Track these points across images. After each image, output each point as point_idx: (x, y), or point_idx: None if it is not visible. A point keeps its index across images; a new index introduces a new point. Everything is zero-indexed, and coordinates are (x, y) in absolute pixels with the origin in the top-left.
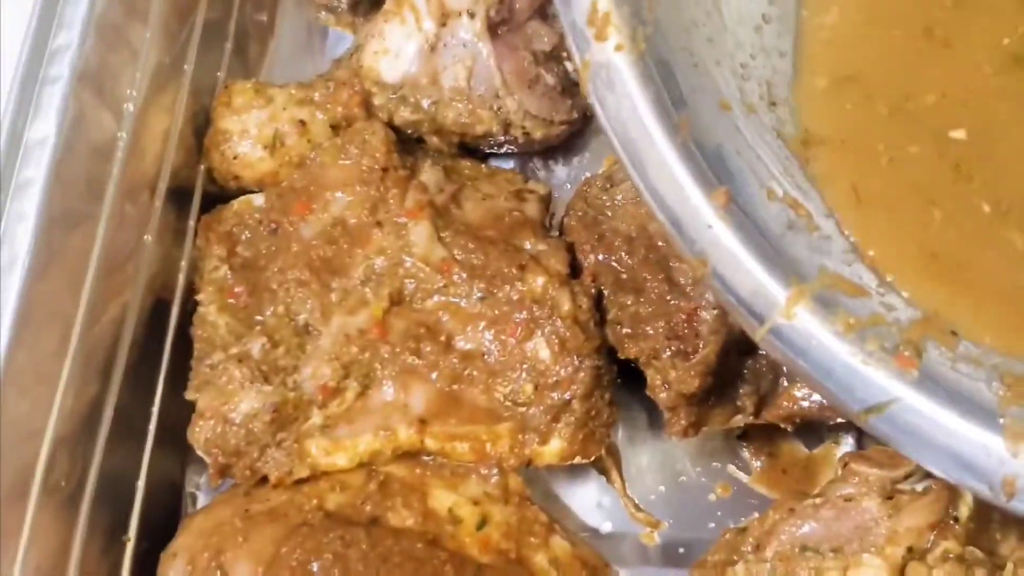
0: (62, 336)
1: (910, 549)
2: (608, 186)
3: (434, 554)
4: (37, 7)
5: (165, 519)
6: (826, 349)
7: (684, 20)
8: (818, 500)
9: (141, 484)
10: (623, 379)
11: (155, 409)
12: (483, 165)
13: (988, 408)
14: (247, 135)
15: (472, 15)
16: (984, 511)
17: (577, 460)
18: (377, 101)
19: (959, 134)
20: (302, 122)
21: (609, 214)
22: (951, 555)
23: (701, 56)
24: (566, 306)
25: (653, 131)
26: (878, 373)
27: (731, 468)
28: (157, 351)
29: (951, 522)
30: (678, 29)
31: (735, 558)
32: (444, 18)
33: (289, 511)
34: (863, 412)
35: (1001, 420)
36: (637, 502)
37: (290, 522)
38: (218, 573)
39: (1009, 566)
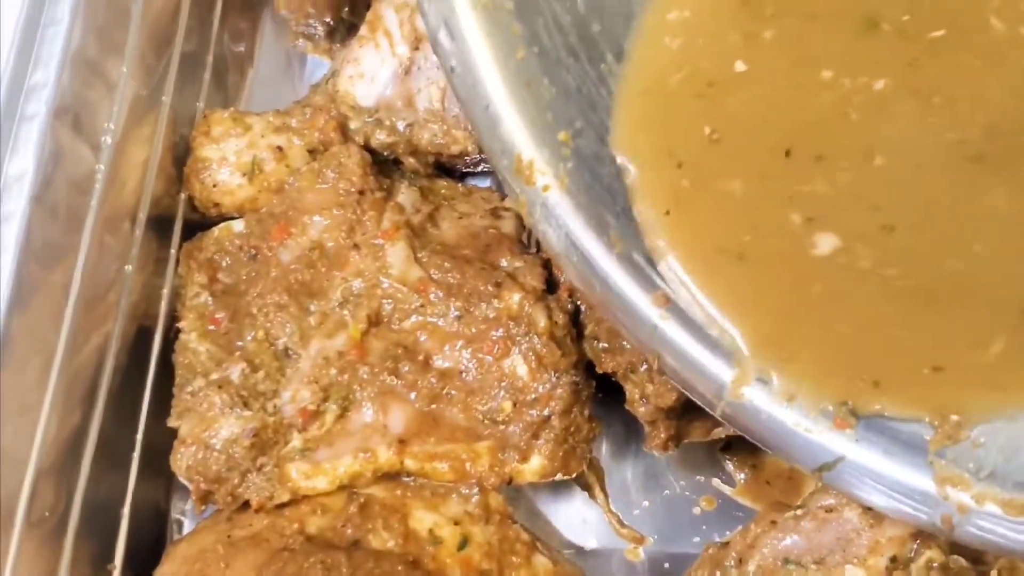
0: (43, 366)
1: (893, 559)
2: None
3: None
4: (14, 45)
5: (150, 546)
6: (775, 421)
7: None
8: (799, 512)
9: (126, 512)
10: (604, 394)
11: (139, 437)
12: (460, 184)
13: (924, 452)
14: (226, 163)
15: None
16: None
17: (559, 477)
18: (353, 125)
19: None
20: (280, 148)
21: None
22: (935, 564)
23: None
24: (542, 322)
25: (592, 252)
26: (821, 437)
27: (715, 481)
28: (140, 379)
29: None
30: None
31: (718, 573)
32: (417, 42)
33: (271, 536)
34: (816, 470)
35: (931, 464)
36: (621, 517)
37: (271, 547)
38: None
39: (992, 573)
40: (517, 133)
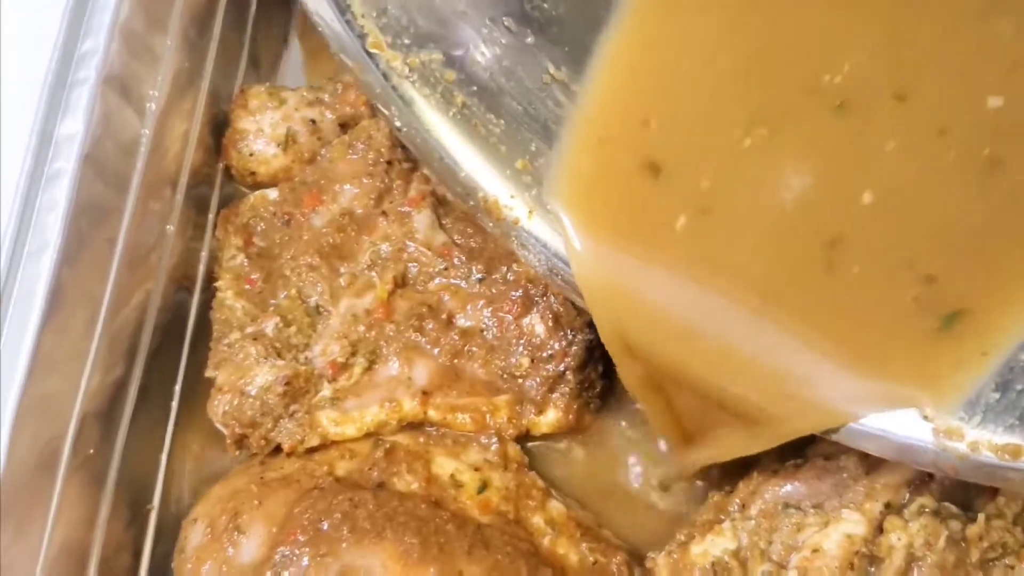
0: (90, 318)
1: (888, 504)
2: None
3: (437, 514)
4: (66, 16)
5: (188, 490)
6: None
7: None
8: (799, 460)
9: (164, 457)
10: None
11: (177, 388)
12: None
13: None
14: (262, 134)
15: None
16: None
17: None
18: None
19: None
20: (313, 121)
21: None
22: (927, 509)
23: None
24: None
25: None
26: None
27: None
28: (179, 335)
29: (927, 479)
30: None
31: (722, 517)
32: None
33: (301, 477)
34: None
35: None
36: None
37: (302, 487)
38: (235, 534)
39: (980, 517)
40: (475, 176)
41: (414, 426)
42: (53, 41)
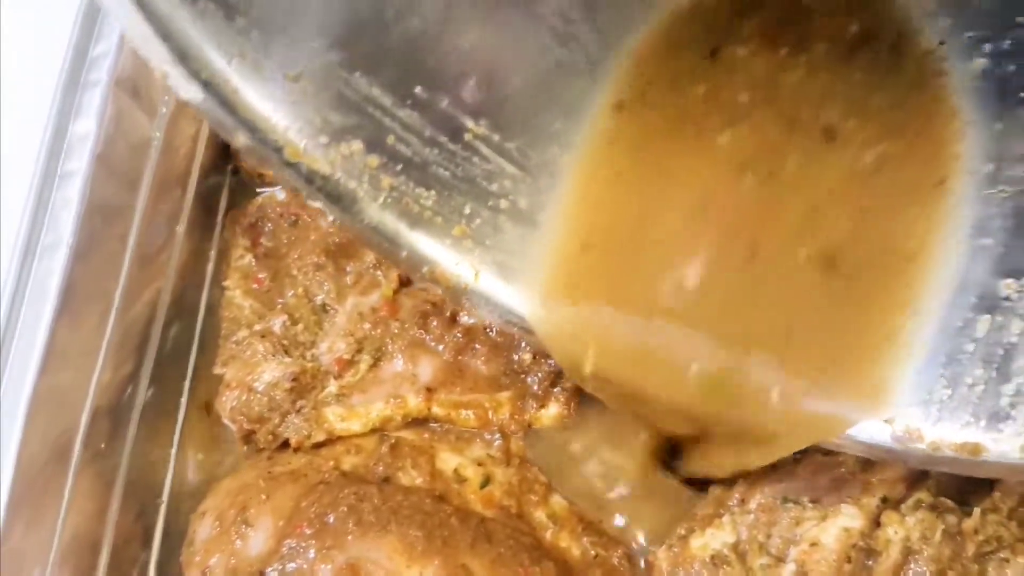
0: (102, 314)
1: (884, 499)
2: None
3: (441, 508)
4: (78, 20)
5: (197, 484)
6: None
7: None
8: (797, 456)
9: (174, 452)
10: None
11: (187, 384)
12: None
13: None
14: None
15: None
16: None
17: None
18: None
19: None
20: None
21: None
22: (923, 503)
23: None
24: None
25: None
26: None
27: None
28: (188, 332)
29: (923, 474)
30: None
31: (722, 511)
32: None
33: (308, 472)
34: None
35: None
36: None
37: (309, 481)
38: (243, 527)
39: (976, 511)
40: (416, 254)
41: (419, 422)
42: (66, 44)
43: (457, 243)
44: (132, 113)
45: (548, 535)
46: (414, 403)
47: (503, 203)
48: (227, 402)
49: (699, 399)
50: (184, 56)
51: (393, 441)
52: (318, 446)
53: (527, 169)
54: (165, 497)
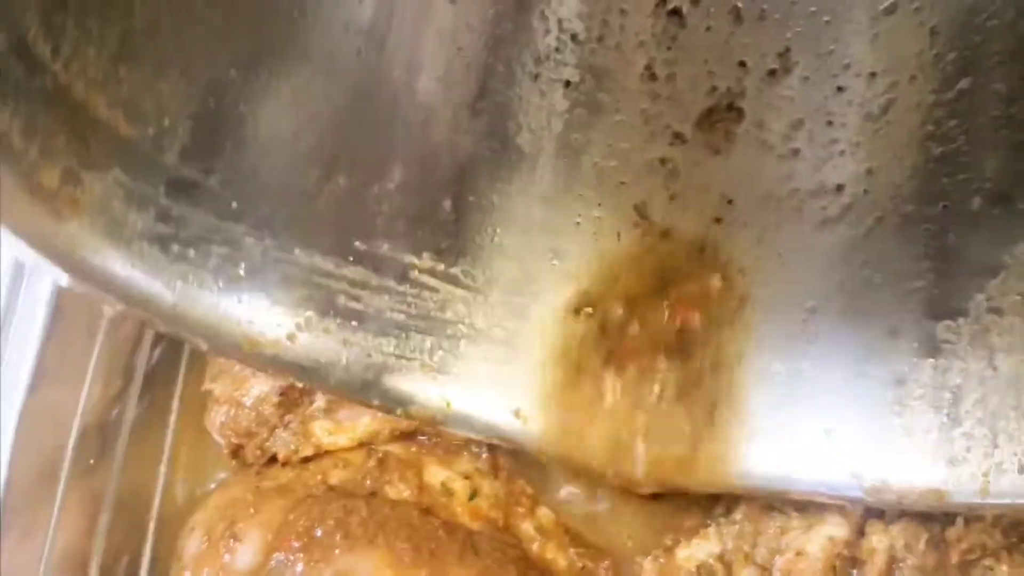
0: (91, 332)
1: (868, 507)
2: None
3: (428, 521)
4: None
5: (186, 501)
6: None
7: None
8: None
9: (163, 469)
10: None
11: (176, 401)
12: None
13: None
14: None
15: None
16: None
17: None
18: None
19: None
20: None
21: None
22: (908, 512)
23: None
24: None
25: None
26: None
27: None
28: (177, 348)
29: None
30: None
31: (707, 521)
32: None
33: (296, 486)
34: None
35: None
36: None
37: (297, 495)
38: (232, 541)
39: (959, 520)
40: (387, 397)
41: (406, 435)
42: None
43: (424, 379)
44: None
45: (535, 547)
46: None
47: (461, 328)
48: (216, 417)
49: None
50: (128, 298)
51: (381, 455)
52: (306, 460)
53: (477, 288)
54: (155, 513)
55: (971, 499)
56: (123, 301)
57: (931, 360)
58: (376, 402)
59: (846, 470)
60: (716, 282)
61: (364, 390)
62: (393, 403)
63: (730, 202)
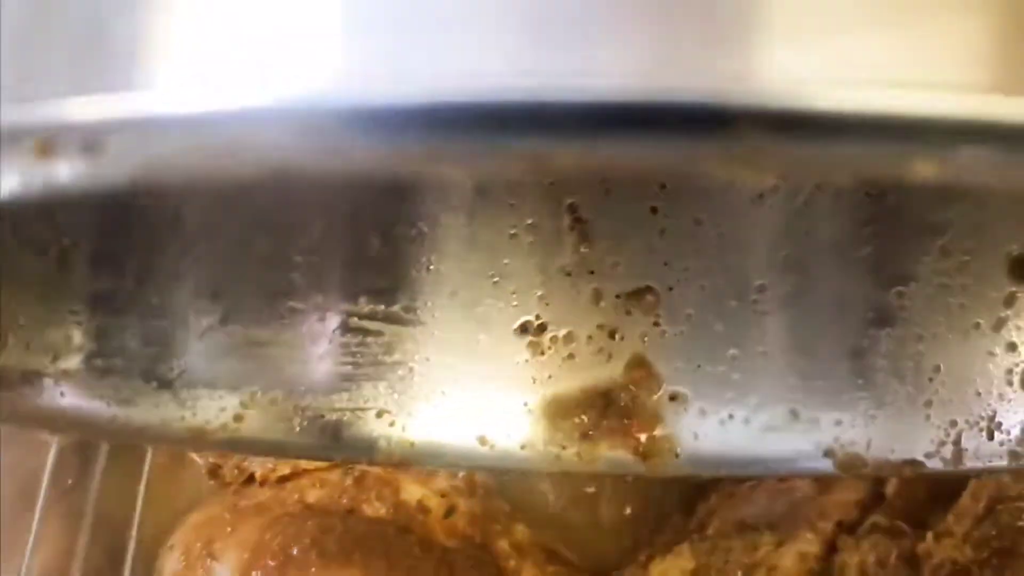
0: None
1: (840, 523)
2: None
3: (404, 539)
4: None
5: (167, 520)
6: None
7: None
8: (755, 483)
9: (142, 488)
10: None
11: None
12: None
13: None
14: None
15: None
16: (911, 490)
17: None
18: None
19: None
20: None
21: None
22: (879, 527)
23: None
24: None
25: None
26: None
27: None
28: None
29: (878, 498)
30: None
31: (680, 538)
32: None
33: (273, 505)
34: None
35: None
36: None
37: (273, 514)
38: (209, 560)
39: (929, 536)
40: (349, 451)
41: None
42: None
43: (383, 425)
44: None
45: (511, 564)
46: None
47: (412, 366)
48: None
49: None
50: (61, 427)
51: (358, 473)
52: (284, 480)
53: (422, 323)
54: (134, 532)
55: (946, 467)
56: (56, 431)
57: (887, 329)
58: (339, 458)
59: (816, 447)
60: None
61: (324, 450)
62: (356, 456)
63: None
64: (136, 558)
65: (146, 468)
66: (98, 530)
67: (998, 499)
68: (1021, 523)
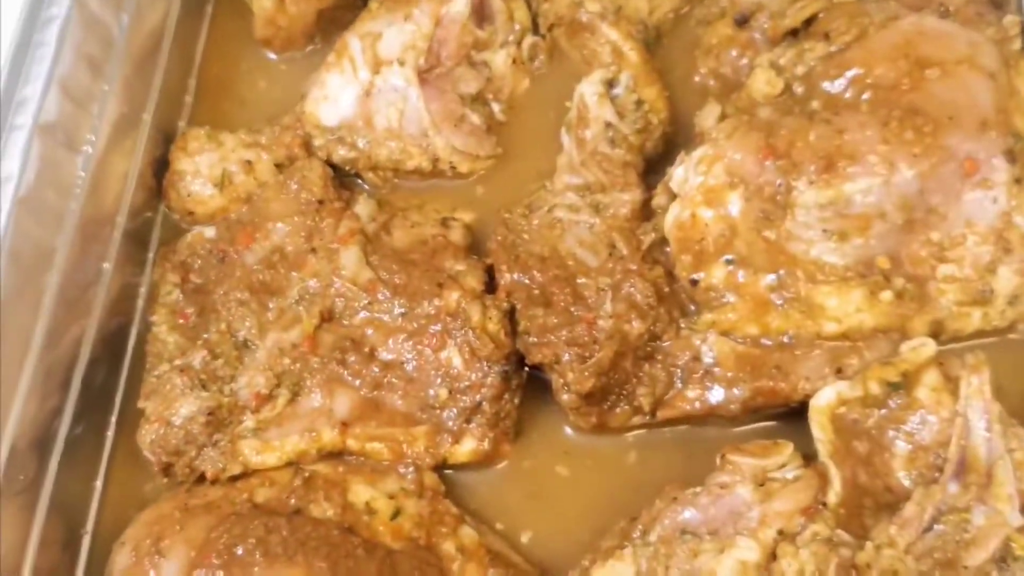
0: (23, 353)
1: (781, 532)
2: (527, 213)
3: (348, 540)
4: (5, 65)
5: (121, 515)
6: None
7: None
8: (698, 489)
9: (99, 484)
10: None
11: (113, 418)
12: (415, 197)
13: None
14: (199, 175)
15: (403, 63)
16: (855, 499)
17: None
18: (317, 142)
19: None
20: (249, 162)
21: (526, 237)
22: (819, 536)
23: None
24: (476, 317)
25: None
26: None
27: None
28: (116, 368)
29: (820, 507)
30: None
31: (624, 543)
32: (378, 66)
33: (222, 504)
34: None
35: None
36: None
37: (222, 512)
38: (157, 557)
39: (869, 545)
40: None
41: (334, 455)
42: None
43: None
44: (56, 155)
45: (455, 567)
46: (329, 437)
47: None
48: (146, 435)
49: None
50: None
51: (307, 474)
52: (234, 479)
53: None
54: (90, 528)
55: None
56: None
57: None
58: None
59: None
60: None
61: None
62: None
63: None
64: (91, 553)
65: (103, 464)
66: (54, 525)
67: (945, 510)
68: (967, 535)
